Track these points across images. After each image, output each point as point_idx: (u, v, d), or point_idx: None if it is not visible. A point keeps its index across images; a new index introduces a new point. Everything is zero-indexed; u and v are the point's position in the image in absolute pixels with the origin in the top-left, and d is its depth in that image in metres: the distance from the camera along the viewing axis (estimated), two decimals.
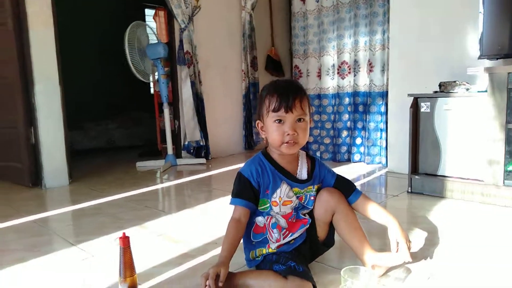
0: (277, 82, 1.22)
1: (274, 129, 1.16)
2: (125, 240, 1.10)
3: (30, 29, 2.63)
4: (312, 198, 1.26)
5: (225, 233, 1.16)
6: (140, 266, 1.30)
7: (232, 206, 1.21)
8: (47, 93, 2.71)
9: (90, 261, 1.44)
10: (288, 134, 1.14)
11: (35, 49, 2.65)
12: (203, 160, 3.58)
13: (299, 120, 1.15)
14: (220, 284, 1.03)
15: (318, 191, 1.27)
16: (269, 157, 1.24)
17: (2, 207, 2.27)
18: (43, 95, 2.70)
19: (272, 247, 1.21)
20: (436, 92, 2.26)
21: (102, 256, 1.47)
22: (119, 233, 1.12)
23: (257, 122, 1.24)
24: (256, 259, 1.23)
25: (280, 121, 1.15)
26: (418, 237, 1.55)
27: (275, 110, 1.14)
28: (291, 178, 1.22)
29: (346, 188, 1.29)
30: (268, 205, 1.21)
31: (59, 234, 1.75)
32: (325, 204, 1.24)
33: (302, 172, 1.25)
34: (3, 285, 1.27)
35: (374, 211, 1.27)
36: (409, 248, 1.20)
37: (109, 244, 1.59)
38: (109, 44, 5.32)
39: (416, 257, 1.31)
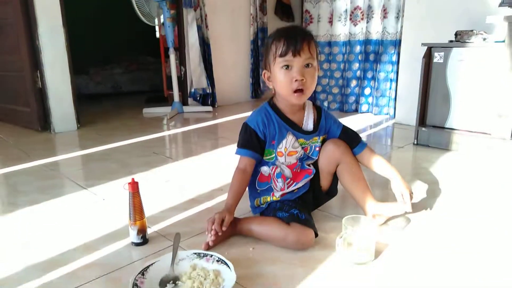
0: (283, 28, 1.18)
1: (282, 76, 1.13)
2: (134, 186, 1.13)
3: None
4: (317, 149, 1.27)
5: (231, 182, 1.18)
6: (148, 210, 1.34)
7: (238, 156, 1.23)
8: (51, 35, 2.66)
9: (101, 204, 1.49)
10: (296, 80, 1.11)
11: None
12: (209, 108, 3.57)
13: (307, 66, 1.12)
14: (224, 229, 1.08)
15: (323, 142, 1.28)
16: (275, 107, 1.23)
17: (14, 150, 2.33)
18: (47, 37, 2.65)
19: (276, 195, 1.24)
20: (451, 41, 2.17)
21: (112, 200, 1.52)
22: (128, 178, 1.15)
23: (263, 72, 1.22)
24: (261, 206, 1.27)
25: (287, 67, 1.12)
26: (420, 188, 1.58)
27: (282, 55, 1.11)
28: (297, 129, 1.22)
29: (351, 139, 1.29)
30: (274, 155, 1.22)
31: (69, 177, 1.80)
32: (330, 155, 1.25)
33: (308, 123, 1.24)
34: (19, 224, 1.34)
35: (377, 164, 1.28)
36: (411, 199, 1.22)
37: (118, 188, 1.64)
38: None
39: (416, 207, 1.34)
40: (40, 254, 1.12)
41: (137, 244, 1.15)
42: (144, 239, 1.16)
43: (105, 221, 1.33)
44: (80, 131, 2.82)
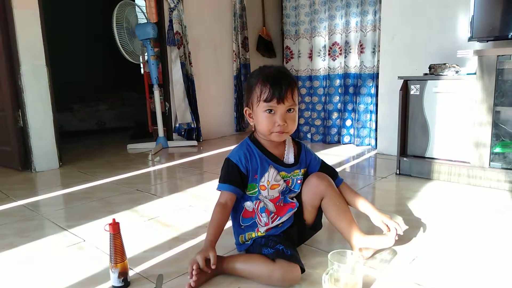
0: (268, 70, 1.18)
1: (264, 119, 1.16)
2: (115, 227, 1.10)
3: (14, 8, 2.56)
4: (298, 181, 1.28)
5: (211, 218, 1.17)
6: (131, 250, 1.32)
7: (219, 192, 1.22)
8: (34, 75, 2.67)
9: (81, 246, 1.45)
10: (279, 125, 1.14)
11: (19, 29, 2.59)
12: (194, 142, 3.57)
13: (289, 110, 1.16)
14: (213, 267, 1.05)
15: (304, 175, 1.29)
16: (257, 142, 1.24)
17: None
18: (30, 77, 2.65)
19: (261, 230, 1.23)
20: (426, 74, 2.26)
21: (93, 241, 1.48)
22: (110, 218, 1.12)
23: (245, 109, 1.24)
24: (246, 243, 1.25)
25: (271, 111, 1.15)
26: (405, 219, 1.59)
27: (267, 101, 1.13)
28: (278, 163, 1.23)
29: (329, 174, 1.31)
30: (257, 189, 1.22)
31: (49, 218, 1.75)
32: (314, 189, 1.26)
33: (289, 157, 1.26)
34: None
35: (354, 198, 1.31)
36: (400, 228, 1.24)
37: (100, 228, 1.59)
38: (98, 23, 5.20)
39: (402, 239, 1.34)
40: None
41: None
42: (125, 282, 1.12)
43: (85, 264, 1.29)
44: (62, 170, 2.78)
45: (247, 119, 1.24)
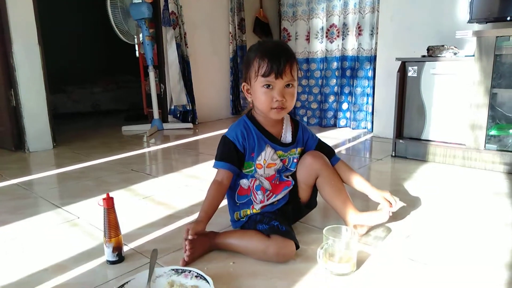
0: (266, 44, 1.16)
1: (262, 94, 1.14)
2: (109, 201, 1.09)
3: None
4: (295, 160, 1.27)
5: (206, 195, 1.16)
6: (125, 227, 1.31)
7: (216, 170, 1.21)
8: (26, 53, 2.62)
9: (75, 222, 1.44)
10: (277, 100, 1.12)
11: (11, 5, 2.52)
12: (189, 125, 3.55)
13: (288, 85, 1.14)
14: (190, 237, 1.04)
15: (301, 154, 1.28)
16: (254, 120, 1.23)
17: None
18: (22, 55, 2.60)
19: (256, 208, 1.23)
20: (424, 56, 2.24)
21: (87, 218, 1.47)
22: (105, 196, 1.11)
23: (242, 84, 1.22)
24: (241, 219, 1.25)
25: (268, 86, 1.12)
26: (400, 199, 1.58)
27: (265, 75, 1.11)
28: (275, 142, 1.22)
29: (326, 152, 1.30)
30: (253, 168, 1.21)
31: (43, 196, 1.74)
32: (309, 167, 1.25)
33: (287, 136, 1.25)
34: None
35: (350, 177, 1.30)
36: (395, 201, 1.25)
37: (94, 206, 1.59)
38: (92, 2, 5.09)
39: (396, 217, 1.35)
40: (6, 276, 1.06)
41: (112, 262, 1.11)
42: (119, 257, 1.11)
43: (79, 240, 1.28)
44: (56, 150, 2.75)
45: (245, 95, 1.22)
